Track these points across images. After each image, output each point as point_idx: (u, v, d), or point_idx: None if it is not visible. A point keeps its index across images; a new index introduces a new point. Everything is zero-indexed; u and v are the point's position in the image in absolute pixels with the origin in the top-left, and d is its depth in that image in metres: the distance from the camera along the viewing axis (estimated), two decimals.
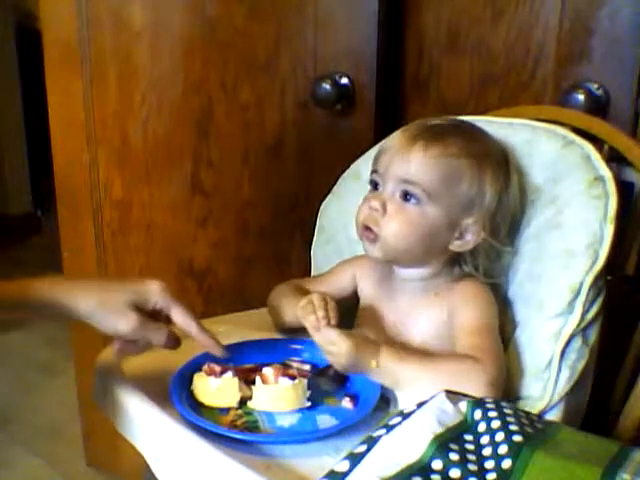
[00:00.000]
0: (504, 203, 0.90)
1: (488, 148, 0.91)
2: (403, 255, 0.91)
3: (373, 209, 0.89)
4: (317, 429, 0.78)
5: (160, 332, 0.83)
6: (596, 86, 1.12)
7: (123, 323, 0.81)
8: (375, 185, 0.92)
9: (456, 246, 0.90)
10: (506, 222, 0.92)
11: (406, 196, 0.88)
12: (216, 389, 0.81)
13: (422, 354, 0.87)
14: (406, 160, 0.88)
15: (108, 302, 0.81)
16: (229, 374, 0.83)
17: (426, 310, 0.92)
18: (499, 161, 0.91)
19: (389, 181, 0.89)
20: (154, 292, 0.83)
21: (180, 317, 0.84)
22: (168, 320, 0.85)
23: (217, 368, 0.84)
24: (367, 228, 0.90)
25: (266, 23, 1.34)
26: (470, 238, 0.90)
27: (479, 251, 0.91)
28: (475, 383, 0.79)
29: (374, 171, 0.93)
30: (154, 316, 0.84)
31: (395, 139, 0.91)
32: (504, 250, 0.92)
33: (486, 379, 0.81)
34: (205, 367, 0.84)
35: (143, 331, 0.82)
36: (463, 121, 0.96)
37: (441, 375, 0.81)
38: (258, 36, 1.35)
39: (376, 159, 0.93)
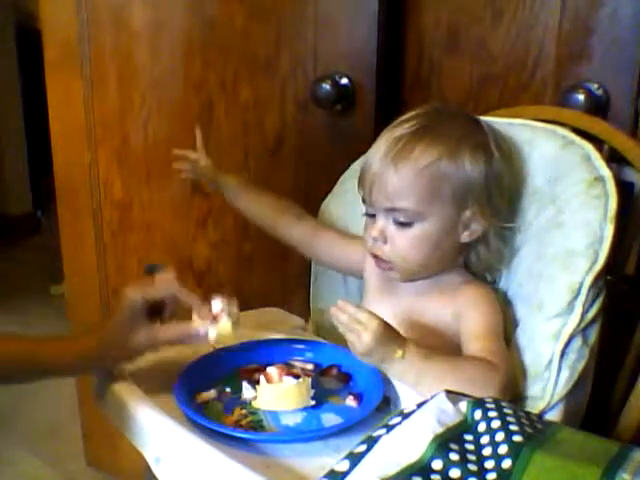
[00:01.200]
0: (492, 181, 0.90)
1: (459, 136, 0.89)
2: (421, 271, 0.93)
3: (375, 239, 0.90)
4: (322, 427, 0.78)
5: (170, 330, 0.83)
6: (596, 86, 1.11)
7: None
8: (370, 213, 0.92)
9: (465, 237, 0.91)
10: (503, 198, 0.92)
11: (399, 220, 0.88)
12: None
13: (443, 354, 0.86)
14: (383, 189, 0.88)
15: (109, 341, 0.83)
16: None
17: (429, 307, 0.93)
18: (475, 143, 0.89)
19: (378, 211, 0.90)
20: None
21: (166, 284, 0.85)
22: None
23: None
24: (377, 257, 0.92)
25: (266, 23, 1.34)
26: (475, 227, 0.90)
27: (489, 234, 0.92)
28: (492, 387, 0.80)
29: (363, 199, 0.93)
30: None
31: (368, 163, 0.91)
32: (510, 227, 0.93)
33: (501, 384, 0.81)
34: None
35: (156, 338, 0.82)
36: (430, 113, 0.92)
37: (463, 378, 0.80)
38: (258, 36, 1.35)
39: (359, 182, 0.93)
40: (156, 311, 0.85)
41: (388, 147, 0.88)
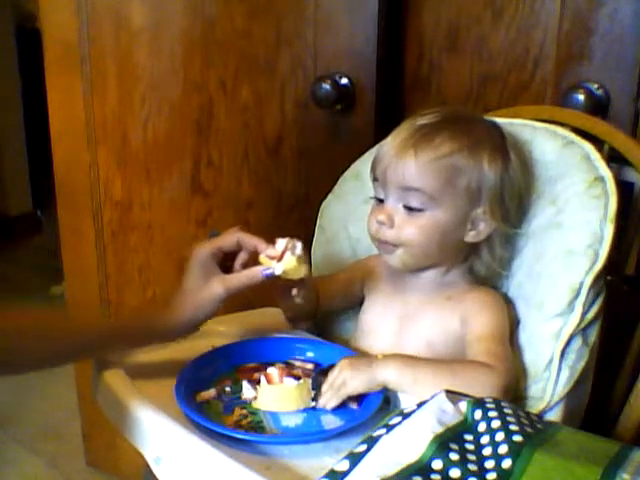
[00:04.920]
0: (507, 184, 0.89)
1: (480, 135, 0.90)
2: (422, 260, 0.92)
3: (381, 223, 0.89)
4: (322, 429, 0.78)
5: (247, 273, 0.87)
6: (596, 86, 1.12)
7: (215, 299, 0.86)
8: (379, 197, 0.92)
9: (471, 237, 0.90)
10: (514, 203, 0.91)
11: (410, 205, 0.88)
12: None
13: (433, 359, 0.86)
14: (400, 170, 0.87)
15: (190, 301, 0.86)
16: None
17: (437, 311, 0.92)
18: (494, 144, 0.90)
19: (390, 193, 0.89)
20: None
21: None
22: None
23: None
24: (381, 241, 0.91)
25: (266, 23, 1.34)
26: (483, 227, 0.90)
27: (494, 239, 0.91)
28: (490, 390, 0.79)
29: (375, 180, 0.92)
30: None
31: (387, 146, 0.90)
32: (516, 232, 0.92)
33: (501, 387, 0.80)
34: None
35: (229, 284, 0.86)
36: (453, 111, 0.95)
37: (459, 380, 0.80)
38: (258, 36, 1.35)
39: (373, 167, 0.93)
40: (228, 265, 0.89)
41: (410, 133, 0.88)
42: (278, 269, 0.85)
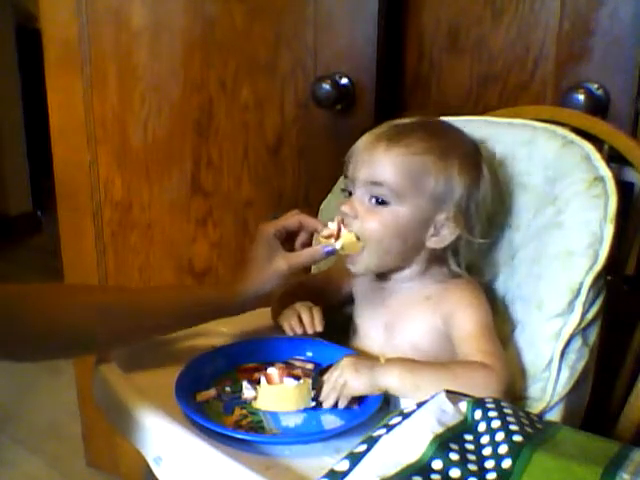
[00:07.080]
0: (475, 196, 0.89)
1: (454, 142, 0.90)
2: (384, 259, 0.91)
3: (344, 214, 0.89)
4: (322, 429, 0.78)
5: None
6: (596, 86, 1.12)
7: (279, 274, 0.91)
8: (349, 190, 0.92)
9: (433, 242, 0.89)
10: (481, 216, 0.90)
11: (375, 199, 0.88)
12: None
13: (433, 362, 0.86)
14: (370, 163, 0.88)
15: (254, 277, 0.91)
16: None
17: (418, 314, 0.92)
18: (467, 154, 0.90)
19: (358, 185, 0.89)
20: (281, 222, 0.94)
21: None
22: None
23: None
24: None
25: (266, 23, 1.34)
26: (446, 233, 0.89)
27: (459, 247, 0.91)
28: (491, 390, 0.78)
29: (345, 176, 0.93)
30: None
31: (360, 142, 0.91)
32: (482, 242, 0.91)
33: (500, 385, 0.80)
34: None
35: (291, 261, 0.91)
36: (431, 119, 0.95)
37: (460, 383, 0.79)
38: (258, 36, 1.35)
39: (346, 164, 0.93)
40: (290, 245, 0.94)
41: (386, 130, 0.90)
42: (338, 244, 0.89)
